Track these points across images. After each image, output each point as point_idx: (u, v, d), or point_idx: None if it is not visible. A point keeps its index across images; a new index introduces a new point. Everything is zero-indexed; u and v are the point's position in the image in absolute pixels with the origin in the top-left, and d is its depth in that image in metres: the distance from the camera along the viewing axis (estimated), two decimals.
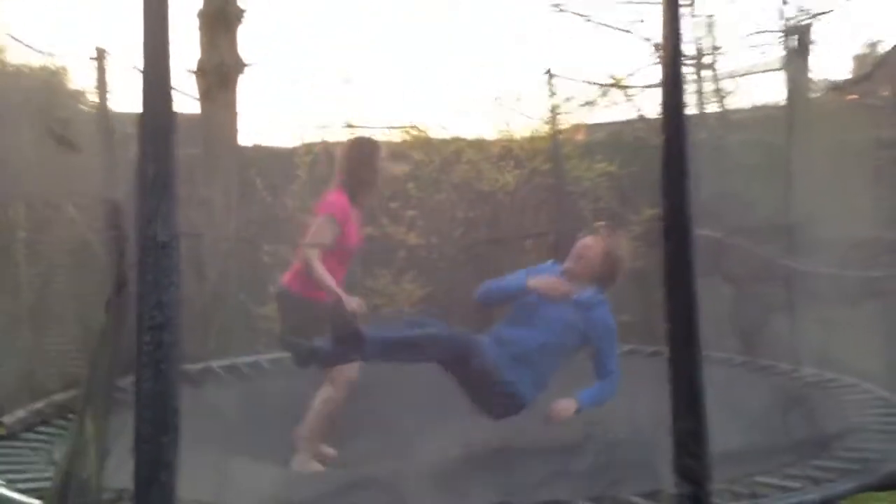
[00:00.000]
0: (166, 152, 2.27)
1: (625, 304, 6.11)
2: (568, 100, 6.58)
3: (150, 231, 2.22)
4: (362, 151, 4.03)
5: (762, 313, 3.40)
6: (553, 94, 5.86)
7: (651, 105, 10.18)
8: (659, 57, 10.01)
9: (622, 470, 2.45)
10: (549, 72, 5.78)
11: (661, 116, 2.13)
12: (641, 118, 9.80)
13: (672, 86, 2.10)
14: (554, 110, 5.92)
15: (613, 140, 7.50)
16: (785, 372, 3.56)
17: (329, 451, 3.98)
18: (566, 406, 3.49)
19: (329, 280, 3.82)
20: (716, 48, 9.62)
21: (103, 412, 2.36)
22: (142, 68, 2.24)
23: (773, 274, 3.43)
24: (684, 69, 7.67)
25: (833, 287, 3.15)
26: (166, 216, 2.25)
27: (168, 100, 2.30)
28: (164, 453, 2.19)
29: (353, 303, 3.79)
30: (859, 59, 8.13)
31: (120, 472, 2.32)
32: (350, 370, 3.83)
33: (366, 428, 3.65)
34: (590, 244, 3.68)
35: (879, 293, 2.97)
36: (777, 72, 4.62)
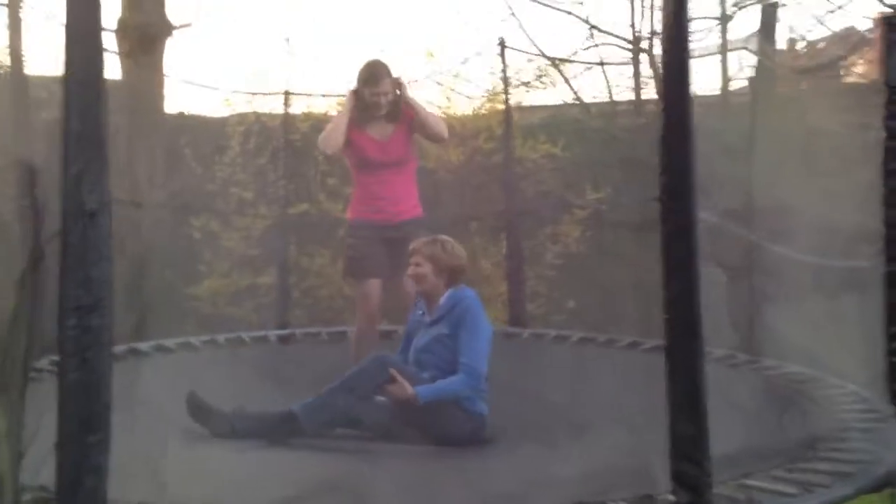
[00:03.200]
0: (94, 108, 1.96)
1: (570, 291, 6.01)
2: (518, 72, 6.38)
3: (76, 198, 1.92)
4: (358, 77, 4.19)
5: (755, 304, 3.24)
6: (505, 66, 5.61)
7: (590, 89, 10.08)
8: (601, 38, 9.88)
9: (613, 475, 2.25)
10: (501, 42, 5.53)
11: (662, 80, 1.91)
12: (580, 101, 9.71)
13: (675, 45, 1.90)
14: (506, 83, 5.68)
15: (556, 122, 7.35)
16: (769, 368, 3.42)
17: None
18: (401, 390, 3.28)
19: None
20: (654, 33, 9.60)
21: (17, 405, 2.05)
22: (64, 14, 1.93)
23: (764, 262, 3.27)
24: (626, 53, 7.45)
25: (814, 277, 3.02)
26: (94, 181, 1.94)
27: (96, 48, 1.99)
28: (92, 455, 1.90)
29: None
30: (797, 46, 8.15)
31: (41, 472, 2.01)
32: (365, 305, 4.10)
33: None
34: (415, 270, 3.56)
35: (860, 285, 2.84)
36: (737, 52, 4.51)
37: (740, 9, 8.76)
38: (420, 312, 3.63)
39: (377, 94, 4.06)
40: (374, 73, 4.10)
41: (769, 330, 3.15)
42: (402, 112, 4.17)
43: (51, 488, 2.22)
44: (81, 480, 1.91)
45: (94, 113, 1.92)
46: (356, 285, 4.26)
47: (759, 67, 3.93)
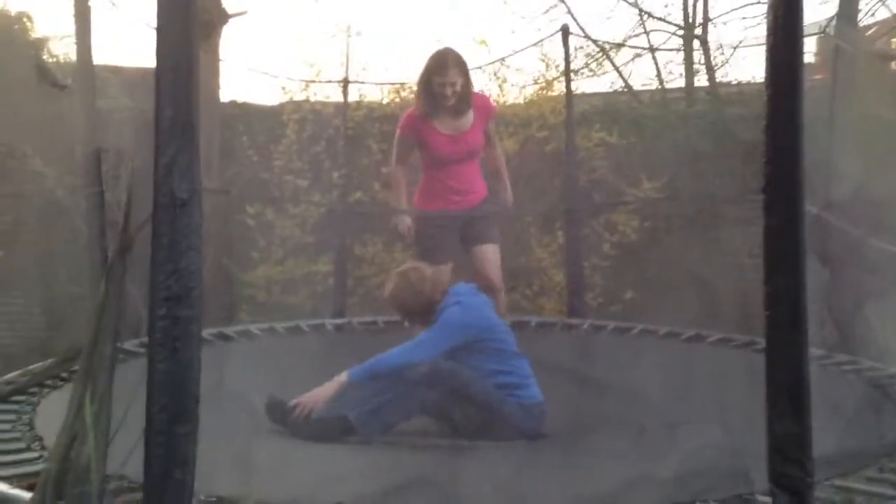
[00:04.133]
0: (186, 97, 1.94)
1: (627, 281, 5.92)
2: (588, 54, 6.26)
3: (166, 186, 1.90)
4: (425, 67, 4.16)
5: (857, 300, 3.15)
6: (568, 54, 5.53)
7: (639, 76, 9.89)
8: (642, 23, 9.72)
9: (711, 477, 2.20)
10: (565, 29, 5.44)
11: (767, 67, 1.83)
12: (629, 89, 9.58)
13: (785, 24, 1.81)
14: (568, 71, 5.59)
15: (608, 109, 7.24)
16: (846, 363, 3.33)
17: None
18: (310, 397, 3.27)
19: (395, 192, 4.38)
20: (708, 19, 9.43)
21: (106, 393, 2.05)
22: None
23: (864, 256, 3.17)
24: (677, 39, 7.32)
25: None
26: (185, 170, 1.92)
27: (188, 36, 1.97)
28: (181, 447, 1.89)
29: (403, 224, 4.27)
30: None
31: (128, 464, 2.01)
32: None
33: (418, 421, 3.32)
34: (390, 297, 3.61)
35: None
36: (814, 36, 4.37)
37: None
38: None
39: (443, 83, 4.01)
40: (441, 62, 4.05)
41: (865, 325, 3.06)
42: (475, 104, 4.14)
43: (133, 478, 2.23)
44: (170, 473, 1.90)
45: (185, 102, 1.91)
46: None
47: (840, 52, 3.81)
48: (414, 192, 4.44)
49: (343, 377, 3.31)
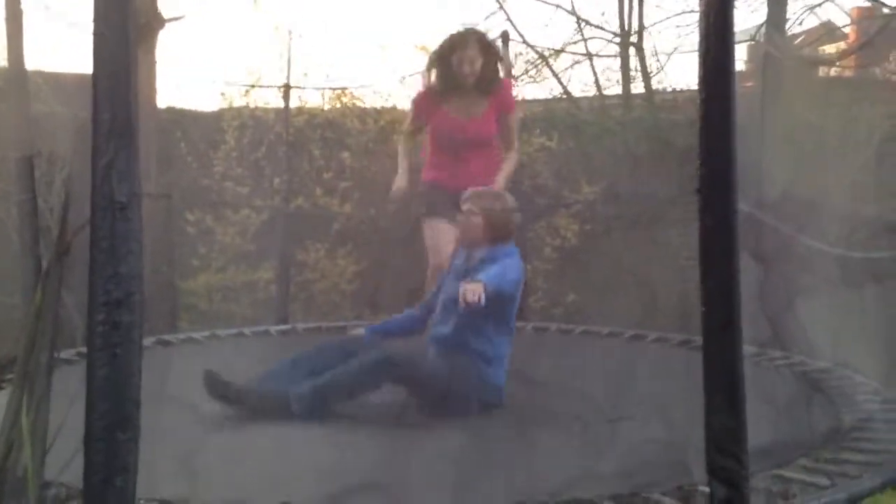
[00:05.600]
0: (124, 98, 1.92)
1: (570, 284, 6.01)
2: (527, 60, 6.35)
3: (105, 189, 1.87)
4: (442, 45, 4.07)
5: (788, 296, 3.25)
6: (509, 60, 5.59)
7: (578, 83, 10.03)
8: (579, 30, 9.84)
9: (652, 470, 2.24)
10: (504, 36, 5.50)
11: (700, 69, 1.88)
12: (568, 95, 9.73)
13: (716, 29, 1.86)
14: (511, 76, 5.65)
15: (548, 116, 7.34)
16: (779, 359, 3.44)
17: None
18: (474, 288, 3.17)
19: (400, 162, 4.16)
20: (643, 27, 9.62)
21: (43, 400, 2.01)
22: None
23: (795, 254, 3.28)
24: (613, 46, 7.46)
25: (834, 268, 3.04)
26: (125, 172, 1.89)
27: (126, 36, 1.95)
28: (121, 454, 1.86)
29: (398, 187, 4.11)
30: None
31: (66, 471, 1.97)
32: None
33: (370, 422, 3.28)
34: (463, 221, 3.58)
35: (880, 276, 2.86)
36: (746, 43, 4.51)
37: None
38: (460, 261, 3.55)
39: (462, 60, 3.90)
40: (463, 38, 3.98)
41: (795, 322, 3.17)
42: (496, 89, 4.05)
43: (72, 485, 2.19)
44: (111, 480, 1.86)
45: (124, 104, 1.88)
46: (426, 223, 4.16)
47: (769, 59, 3.93)
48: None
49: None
